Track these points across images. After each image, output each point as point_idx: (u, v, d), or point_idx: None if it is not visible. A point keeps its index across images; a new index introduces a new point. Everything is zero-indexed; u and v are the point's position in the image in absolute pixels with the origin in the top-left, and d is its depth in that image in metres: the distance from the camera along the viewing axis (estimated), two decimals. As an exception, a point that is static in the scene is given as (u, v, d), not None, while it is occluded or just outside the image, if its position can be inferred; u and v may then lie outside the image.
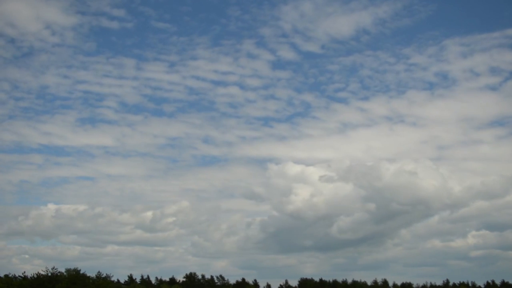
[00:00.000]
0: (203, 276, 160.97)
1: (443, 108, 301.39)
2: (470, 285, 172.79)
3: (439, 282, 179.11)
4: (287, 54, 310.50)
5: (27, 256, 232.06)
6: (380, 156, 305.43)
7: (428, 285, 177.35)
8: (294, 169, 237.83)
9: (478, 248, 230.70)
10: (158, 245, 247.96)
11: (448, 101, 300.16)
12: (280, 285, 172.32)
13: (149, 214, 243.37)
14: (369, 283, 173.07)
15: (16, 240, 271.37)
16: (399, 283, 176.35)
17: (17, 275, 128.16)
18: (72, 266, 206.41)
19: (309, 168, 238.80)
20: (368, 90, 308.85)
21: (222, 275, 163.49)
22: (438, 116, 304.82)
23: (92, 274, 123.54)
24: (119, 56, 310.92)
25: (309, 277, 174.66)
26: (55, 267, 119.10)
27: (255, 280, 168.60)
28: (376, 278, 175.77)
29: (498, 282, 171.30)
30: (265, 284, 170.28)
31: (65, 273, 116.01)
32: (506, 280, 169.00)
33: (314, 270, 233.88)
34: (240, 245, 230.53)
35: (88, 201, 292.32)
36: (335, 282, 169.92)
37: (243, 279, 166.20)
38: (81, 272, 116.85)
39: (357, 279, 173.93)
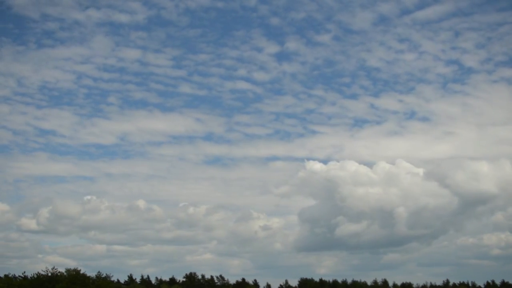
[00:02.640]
0: (203, 276, 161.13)
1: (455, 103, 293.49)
2: (470, 285, 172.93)
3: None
4: (297, 46, 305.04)
5: (52, 253, 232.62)
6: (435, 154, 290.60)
7: (428, 285, 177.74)
8: (335, 167, 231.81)
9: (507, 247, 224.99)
10: (182, 244, 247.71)
11: (461, 94, 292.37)
12: (280, 285, 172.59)
13: (164, 212, 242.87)
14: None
15: (42, 236, 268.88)
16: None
17: (17, 275, 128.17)
18: (95, 265, 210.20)
19: (347, 166, 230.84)
20: (377, 85, 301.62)
21: (222, 275, 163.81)
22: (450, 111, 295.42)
23: (92, 274, 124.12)
24: (124, 50, 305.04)
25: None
26: (55, 267, 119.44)
27: (255, 280, 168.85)
28: (376, 278, 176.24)
29: (498, 282, 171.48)
30: (265, 284, 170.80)
31: (65, 273, 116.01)
32: (506, 280, 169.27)
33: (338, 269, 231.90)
34: (275, 244, 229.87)
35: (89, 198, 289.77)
36: (335, 282, 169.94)
37: (243, 279, 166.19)
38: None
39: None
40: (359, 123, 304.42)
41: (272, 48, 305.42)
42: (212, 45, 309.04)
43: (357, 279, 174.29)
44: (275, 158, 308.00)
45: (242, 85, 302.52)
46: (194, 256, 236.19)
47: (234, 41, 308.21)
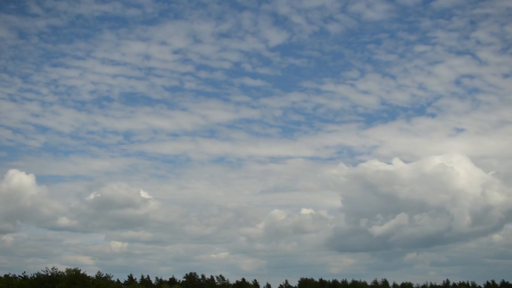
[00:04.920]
0: (203, 276, 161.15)
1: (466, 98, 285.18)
2: (470, 285, 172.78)
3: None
4: (305, 37, 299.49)
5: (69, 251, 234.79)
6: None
7: (429, 285, 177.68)
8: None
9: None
10: (204, 243, 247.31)
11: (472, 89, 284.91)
12: (280, 285, 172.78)
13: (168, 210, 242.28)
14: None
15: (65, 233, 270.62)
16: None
17: (17, 275, 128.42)
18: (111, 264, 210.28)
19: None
20: (386, 78, 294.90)
21: (222, 275, 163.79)
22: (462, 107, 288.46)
23: (92, 274, 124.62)
24: (128, 45, 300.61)
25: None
26: (55, 267, 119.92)
27: (255, 280, 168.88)
28: (376, 278, 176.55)
29: (498, 282, 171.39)
30: (265, 284, 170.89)
31: (65, 273, 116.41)
32: (506, 280, 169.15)
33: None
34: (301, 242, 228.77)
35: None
36: (335, 282, 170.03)
37: (243, 279, 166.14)
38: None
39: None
40: (368, 119, 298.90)
41: (280, 40, 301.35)
42: (219, 38, 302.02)
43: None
44: (295, 156, 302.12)
45: (249, 81, 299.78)
46: (210, 255, 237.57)
47: (241, 33, 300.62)
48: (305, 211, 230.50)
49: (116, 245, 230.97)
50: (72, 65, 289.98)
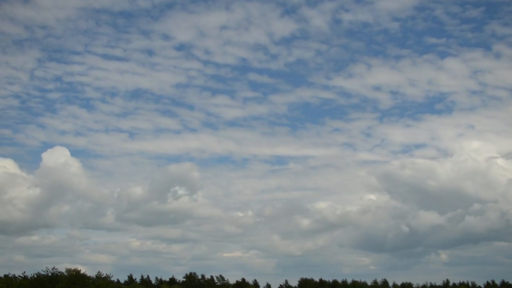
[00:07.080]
0: (203, 276, 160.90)
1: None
2: (470, 285, 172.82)
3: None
4: (313, 29, 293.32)
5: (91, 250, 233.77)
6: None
7: (428, 285, 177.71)
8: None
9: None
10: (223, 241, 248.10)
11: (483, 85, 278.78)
12: (280, 285, 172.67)
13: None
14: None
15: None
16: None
17: (17, 275, 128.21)
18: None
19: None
20: (395, 72, 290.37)
21: (222, 275, 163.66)
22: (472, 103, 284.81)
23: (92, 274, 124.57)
24: (132, 40, 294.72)
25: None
26: (55, 267, 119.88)
27: (255, 280, 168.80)
28: (375, 278, 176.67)
29: (498, 282, 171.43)
30: (265, 284, 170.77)
31: (65, 273, 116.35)
32: (506, 280, 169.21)
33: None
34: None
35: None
36: (335, 282, 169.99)
37: (243, 279, 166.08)
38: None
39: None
40: (378, 116, 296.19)
41: (287, 32, 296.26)
42: (226, 31, 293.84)
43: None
44: (304, 154, 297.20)
45: (255, 76, 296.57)
46: (225, 253, 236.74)
47: (248, 25, 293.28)
48: (325, 209, 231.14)
49: (136, 243, 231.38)
50: (75, 61, 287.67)
